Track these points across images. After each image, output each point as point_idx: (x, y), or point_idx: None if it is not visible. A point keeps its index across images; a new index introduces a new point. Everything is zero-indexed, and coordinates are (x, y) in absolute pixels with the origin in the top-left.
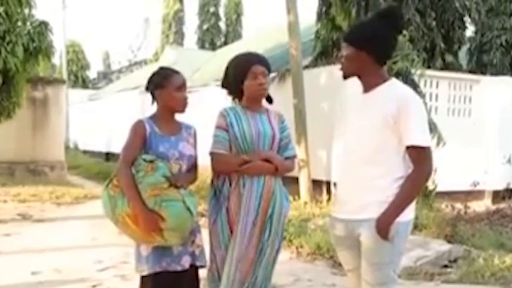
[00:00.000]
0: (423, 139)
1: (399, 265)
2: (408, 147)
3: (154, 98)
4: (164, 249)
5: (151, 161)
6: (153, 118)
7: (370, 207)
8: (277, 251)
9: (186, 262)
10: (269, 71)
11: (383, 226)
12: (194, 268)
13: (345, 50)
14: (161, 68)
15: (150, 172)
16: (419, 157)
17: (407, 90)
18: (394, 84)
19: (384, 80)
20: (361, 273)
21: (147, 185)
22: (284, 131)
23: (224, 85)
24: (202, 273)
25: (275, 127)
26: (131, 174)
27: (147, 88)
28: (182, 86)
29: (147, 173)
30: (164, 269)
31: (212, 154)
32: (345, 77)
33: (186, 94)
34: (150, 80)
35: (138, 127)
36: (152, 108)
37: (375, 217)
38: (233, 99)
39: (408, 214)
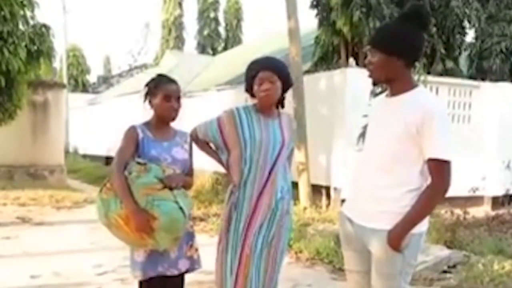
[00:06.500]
0: (445, 152)
1: (410, 275)
2: (428, 160)
3: (150, 103)
4: (162, 254)
5: (144, 164)
6: (147, 124)
7: (382, 217)
8: (281, 255)
9: (183, 266)
10: (281, 75)
11: (395, 238)
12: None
13: (374, 57)
14: (158, 75)
15: (143, 173)
16: (439, 171)
17: (435, 100)
18: (421, 93)
19: (412, 87)
20: (361, 277)
21: (139, 185)
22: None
23: (246, 88)
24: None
25: (286, 134)
26: (124, 176)
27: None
28: (170, 96)
29: (140, 174)
30: (161, 273)
31: (195, 128)
32: (375, 84)
33: (174, 104)
34: (146, 86)
35: (130, 132)
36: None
37: (387, 228)
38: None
39: (421, 226)
